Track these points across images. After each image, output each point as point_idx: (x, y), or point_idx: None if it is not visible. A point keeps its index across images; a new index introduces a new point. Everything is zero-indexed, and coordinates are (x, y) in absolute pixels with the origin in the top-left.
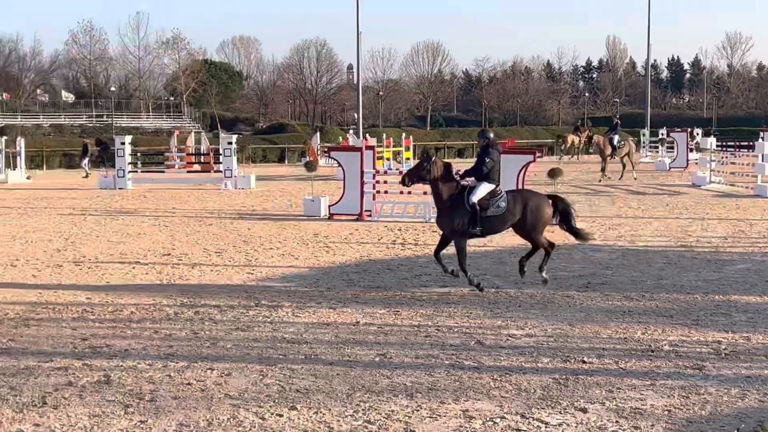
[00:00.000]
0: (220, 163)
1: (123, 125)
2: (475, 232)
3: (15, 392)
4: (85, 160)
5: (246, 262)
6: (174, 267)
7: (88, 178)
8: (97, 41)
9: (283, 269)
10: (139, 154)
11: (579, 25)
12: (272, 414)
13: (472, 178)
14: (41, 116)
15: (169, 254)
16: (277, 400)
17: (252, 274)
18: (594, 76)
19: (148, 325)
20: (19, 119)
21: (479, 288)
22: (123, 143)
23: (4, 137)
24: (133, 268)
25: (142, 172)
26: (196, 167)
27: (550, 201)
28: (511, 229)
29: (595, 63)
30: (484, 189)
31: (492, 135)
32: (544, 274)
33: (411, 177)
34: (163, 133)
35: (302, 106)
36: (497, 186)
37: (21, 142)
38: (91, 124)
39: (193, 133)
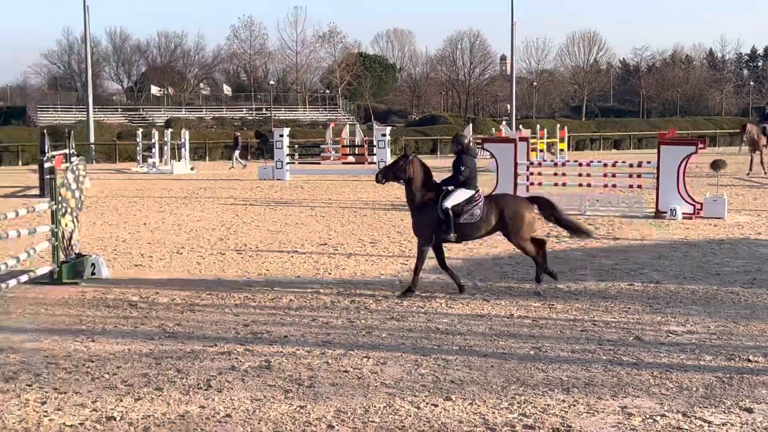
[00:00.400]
0: (374, 154)
1: (281, 118)
2: (449, 238)
3: (181, 375)
4: (236, 153)
5: (400, 252)
6: (330, 257)
7: (235, 170)
8: (257, 36)
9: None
10: (296, 146)
11: (744, 12)
12: (427, 404)
13: (451, 186)
14: (204, 109)
15: (326, 244)
16: (432, 390)
17: (405, 264)
18: (759, 64)
19: (306, 313)
20: (184, 112)
21: (409, 292)
22: (281, 135)
23: (170, 130)
24: (291, 257)
25: (299, 163)
26: (351, 159)
27: (532, 204)
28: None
29: (760, 51)
30: (460, 195)
31: (467, 140)
32: (540, 286)
33: (386, 174)
34: (318, 125)
35: (455, 97)
36: (476, 192)
37: (185, 135)
38: (250, 117)
39: (347, 125)
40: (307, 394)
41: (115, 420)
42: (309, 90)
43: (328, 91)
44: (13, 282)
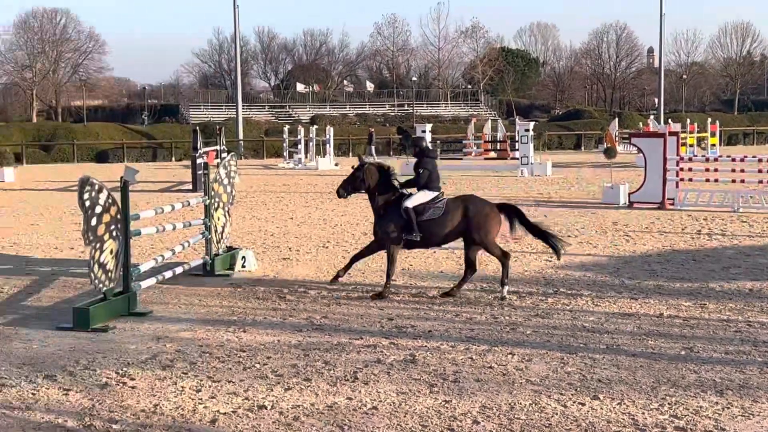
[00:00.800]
0: (517, 150)
1: (422, 114)
2: (413, 238)
3: (329, 366)
4: (371, 148)
5: (543, 249)
6: None
7: None
8: (400, 33)
9: (582, 257)
10: (437, 141)
11: None
12: (574, 402)
13: (414, 189)
14: (347, 106)
15: None
16: (578, 389)
17: (549, 261)
18: None
19: (450, 308)
20: (328, 109)
21: (379, 297)
22: (423, 131)
23: (315, 126)
24: (434, 252)
25: (440, 159)
26: (493, 154)
27: (497, 208)
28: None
29: None
30: (422, 196)
31: (425, 143)
32: (505, 289)
33: (345, 188)
34: (460, 120)
35: (599, 91)
36: (439, 193)
37: (330, 131)
38: (392, 113)
39: (489, 121)
40: (452, 389)
41: (266, 409)
42: (451, 86)
43: (470, 87)
44: (168, 273)
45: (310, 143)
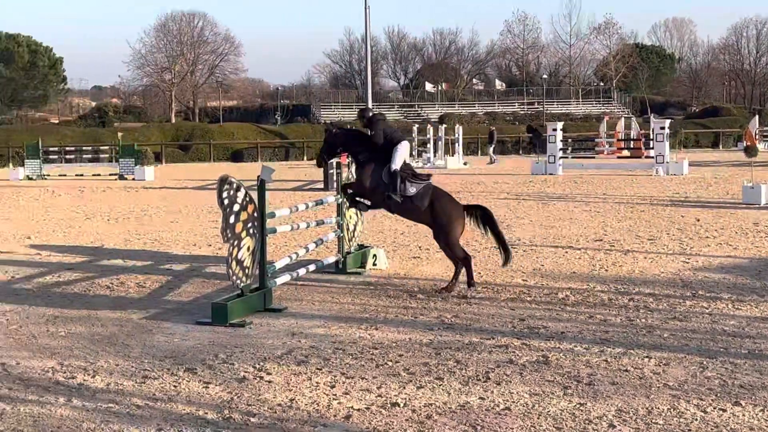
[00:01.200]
0: (651, 148)
1: (553, 112)
2: (396, 198)
3: (461, 366)
4: (491, 147)
5: (680, 250)
6: (606, 253)
7: (495, 165)
8: (530, 30)
9: (721, 259)
10: (569, 140)
11: None
12: (714, 408)
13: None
14: (476, 104)
15: (601, 240)
16: (719, 394)
17: (687, 263)
18: None
19: (583, 310)
20: (457, 107)
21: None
22: (554, 130)
23: (444, 125)
24: (566, 252)
25: (572, 157)
26: (626, 153)
27: (463, 209)
28: None
29: None
30: (401, 151)
31: (371, 113)
32: (471, 290)
33: (322, 157)
34: (592, 118)
35: (738, 88)
36: (410, 144)
37: (459, 130)
38: (522, 112)
39: (622, 119)
40: (587, 391)
41: (398, 406)
42: (582, 83)
43: (602, 84)
44: (302, 271)
45: (439, 142)
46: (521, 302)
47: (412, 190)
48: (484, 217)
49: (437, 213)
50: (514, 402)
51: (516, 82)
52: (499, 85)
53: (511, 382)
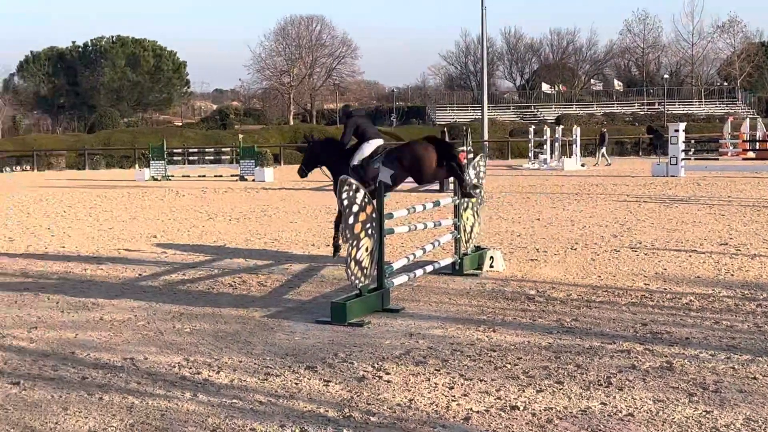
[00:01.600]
0: None
1: (674, 112)
2: (371, 188)
3: (581, 370)
4: (603, 149)
5: None
6: (732, 257)
7: (608, 166)
8: (651, 29)
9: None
10: (691, 141)
11: None
12: None
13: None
14: (594, 105)
15: (726, 243)
16: None
17: None
18: None
19: (708, 315)
20: (574, 108)
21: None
22: (677, 130)
23: (561, 126)
24: (690, 256)
25: (694, 159)
26: (751, 154)
27: (431, 146)
28: None
29: None
30: (366, 149)
31: (348, 110)
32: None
33: (302, 169)
34: (715, 119)
35: None
36: (381, 143)
37: (576, 131)
38: (642, 112)
39: (747, 119)
40: (713, 399)
41: (518, 410)
42: (705, 83)
43: (725, 84)
44: (419, 272)
45: (556, 143)
46: (643, 306)
47: (375, 165)
48: (443, 149)
49: (408, 165)
50: (637, 408)
51: (635, 82)
52: (617, 85)
53: (633, 387)
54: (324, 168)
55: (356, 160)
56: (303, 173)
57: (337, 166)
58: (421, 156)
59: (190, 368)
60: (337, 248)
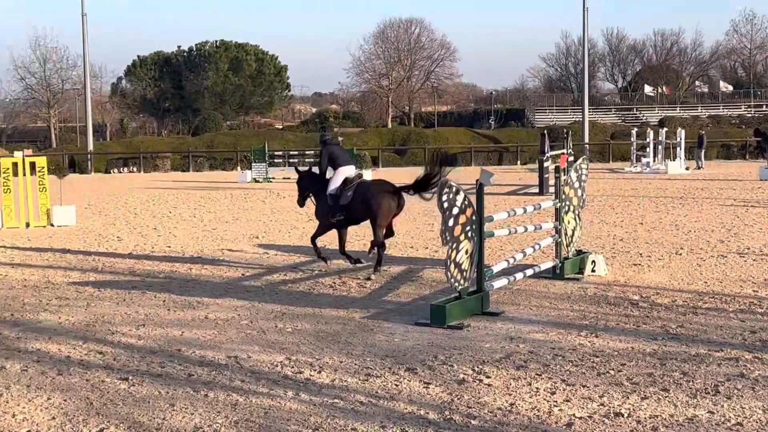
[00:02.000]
0: None
1: None
2: (338, 217)
3: (687, 378)
4: (701, 152)
5: None
6: None
7: (701, 170)
8: (759, 30)
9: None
10: None
11: None
12: None
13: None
14: (699, 107)
15: None
16: None
17: None
18: None
19: None
20: (678, 110)
21: (324, 260)
22: None
23: (665, 129)
24: None
25: None
26: None
27: (395, 194)
28: None
29: None
30: (337, 178)
31: (328, 135)
32: (375, 273)
33: (300, 200)
34: None
35: None
36: (357, 173)
37: (681, 134)
38: (749, 115)
39: None
40: None
41: (622, 417)
42: None
43: None
44: (519, 275)
45: (659, 146)
46: (752, 314)
47: (349, 193)
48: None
49: (372, 204)
50: (746, 417)
51: (742, 84)
52: (723, 87)
53: (742, 396)
54: (312, 196)
55: (331, 189)
56: (301, 203)
57: (318, 195)
58: (380, 204)
59: (292, 367)
60: (319, 256)
